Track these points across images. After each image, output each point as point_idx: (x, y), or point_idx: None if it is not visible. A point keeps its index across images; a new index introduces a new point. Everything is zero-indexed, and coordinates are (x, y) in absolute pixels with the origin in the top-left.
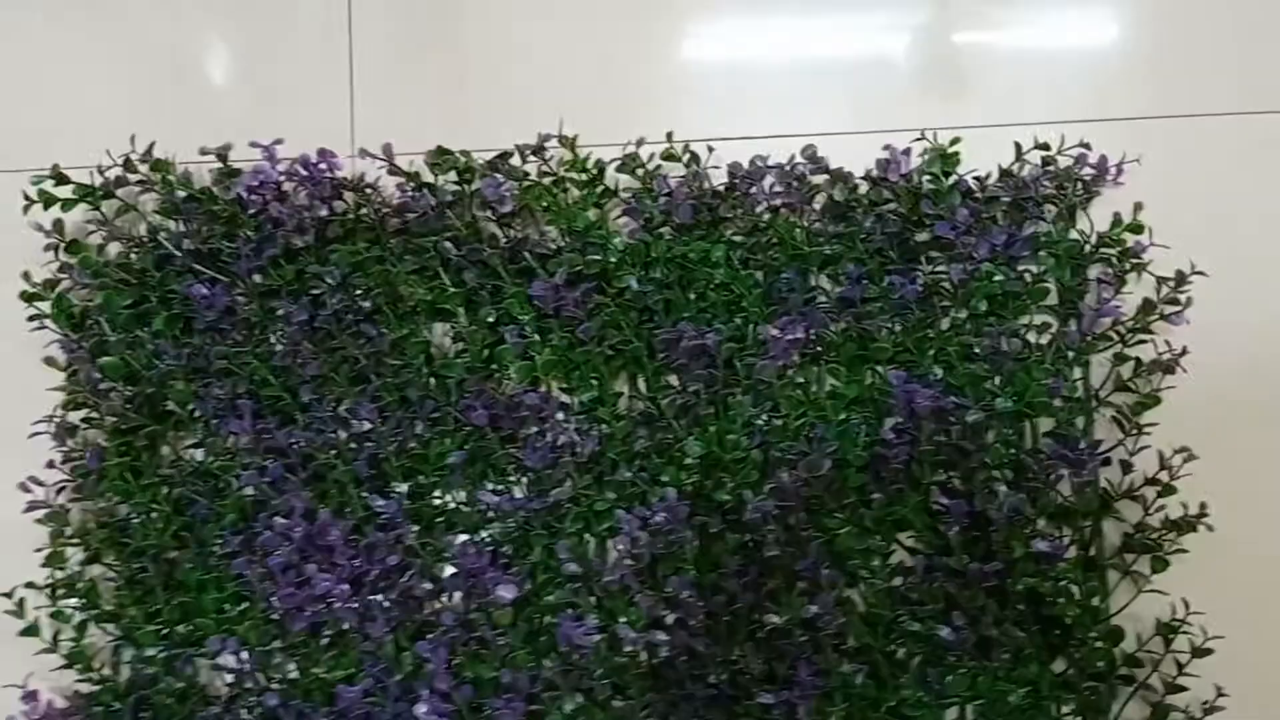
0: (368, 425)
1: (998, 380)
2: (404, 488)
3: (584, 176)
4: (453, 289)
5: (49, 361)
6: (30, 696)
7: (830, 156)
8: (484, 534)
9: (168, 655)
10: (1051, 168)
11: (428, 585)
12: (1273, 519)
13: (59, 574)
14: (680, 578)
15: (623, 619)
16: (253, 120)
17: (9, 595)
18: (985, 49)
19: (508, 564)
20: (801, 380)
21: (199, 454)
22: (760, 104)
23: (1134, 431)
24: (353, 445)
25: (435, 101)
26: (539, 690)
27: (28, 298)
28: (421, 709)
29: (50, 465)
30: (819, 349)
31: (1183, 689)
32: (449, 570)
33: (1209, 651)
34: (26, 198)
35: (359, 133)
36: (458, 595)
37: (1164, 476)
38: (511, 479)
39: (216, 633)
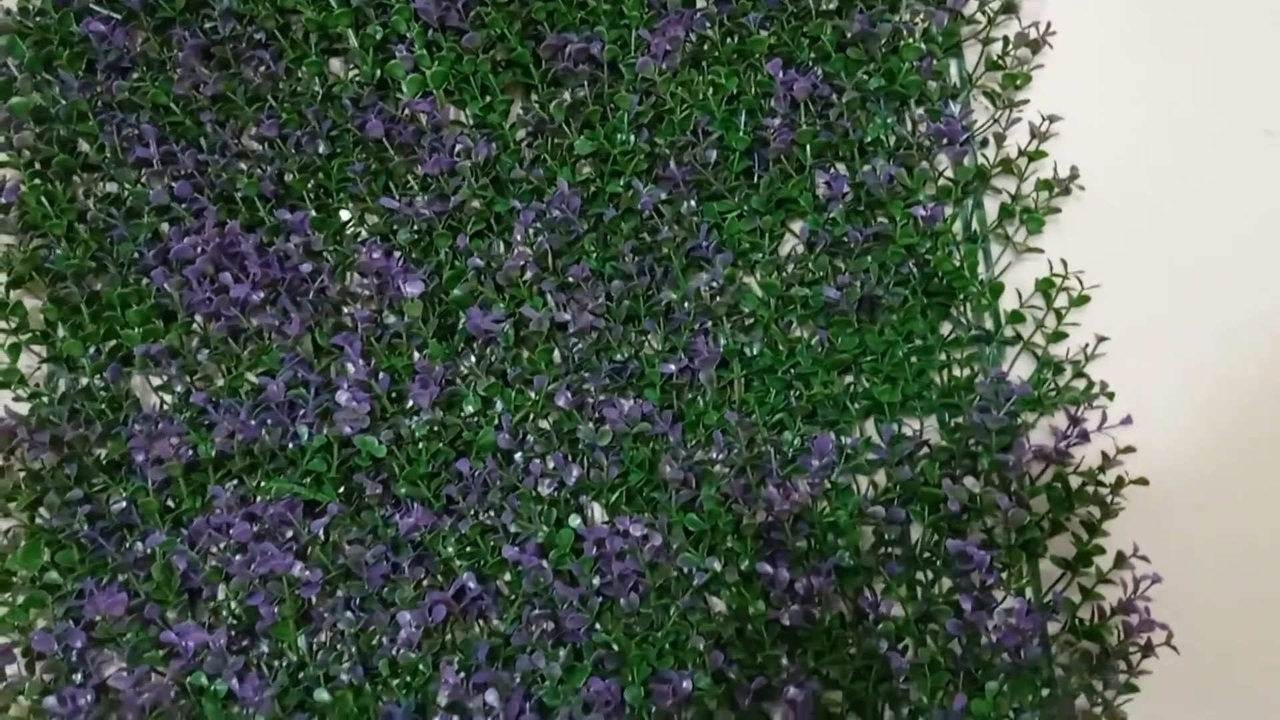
0: (270, 149)
1: (872, 67)
2: (310, 204)
3: None
4: (339, 10)
5: None
6: None
7: None
8: (389, 241)
9: (97, 364)
10: None
11: (338, 288)
12: (1142, 178)
13: None
14: (580, 266)
15: (527, 304)
16: None
17: None
18: None
19: (416, 265)
20: (685, 81)
21: (111, 187)
22: None
23: (1006, 106)
24: (258, 168)
25: None
26: (453, 377)
27: None
28: (343, 396)
29: None
30: (701, 50)
31: (1064, 335)
32: (358, 278)
33: (1087, 299)
34: None
35: None
36: (368, 299)
37: (1035, 147)
38: (412, 190)
39: (141, 343)
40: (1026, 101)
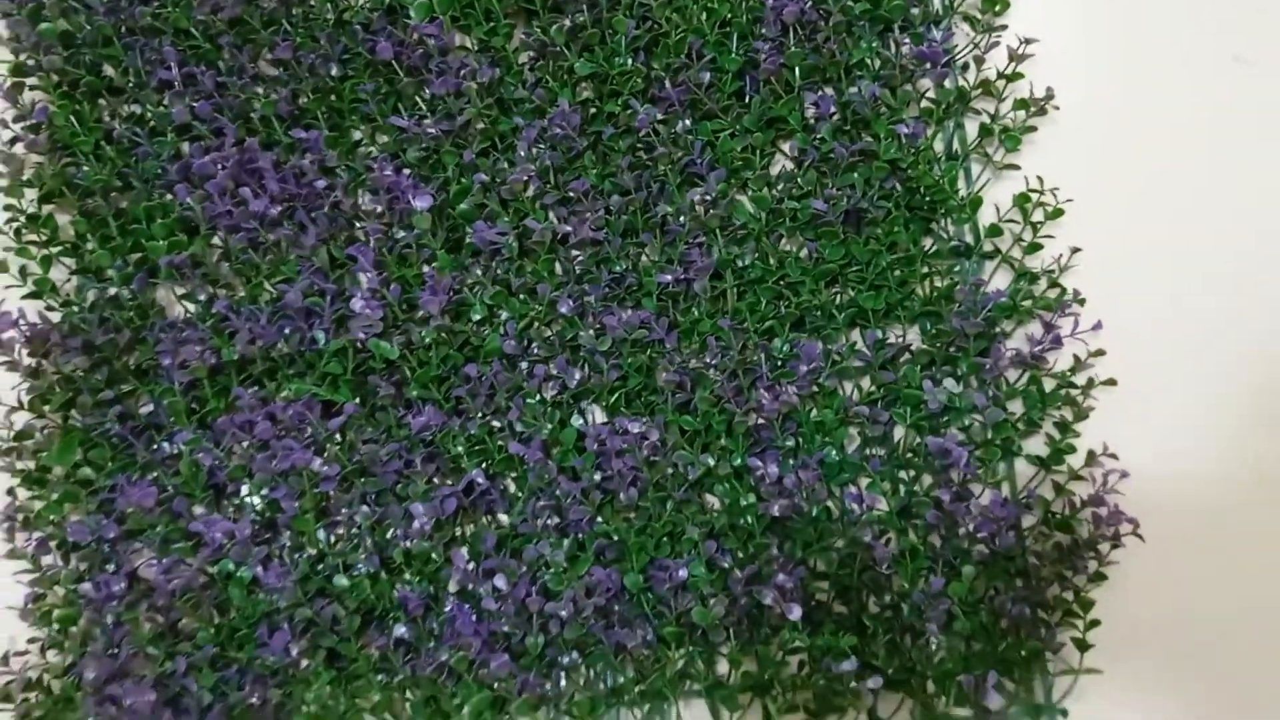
0: (285, 72)
1: None
2: (323, 123)
3: None
4: None
5: None
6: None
7: None
8: (399, 159)
9: (125, 274)
10: None
11: (351, 203)
12: (1114, 99)
13: (20, 217)
14: (580, 181)
15: (531, 218)
16: None
17: None
18: None
19: (424, 181)
20: (680, 6)
21: (136, 107)
22: None
23: (985, 31)
24: (274, 90)
25: None
26: (460, 286)
27: None
28: (357, 303)
29: (3, 125)
30: None
31: (1039, 247)
32: (369, 194)
33: (1061, 213)
34: None
35: None
36: (380, 213)
37: (1012, 69)
38: (420, 110)
39: (165, 255)
40: (1005, 26)
